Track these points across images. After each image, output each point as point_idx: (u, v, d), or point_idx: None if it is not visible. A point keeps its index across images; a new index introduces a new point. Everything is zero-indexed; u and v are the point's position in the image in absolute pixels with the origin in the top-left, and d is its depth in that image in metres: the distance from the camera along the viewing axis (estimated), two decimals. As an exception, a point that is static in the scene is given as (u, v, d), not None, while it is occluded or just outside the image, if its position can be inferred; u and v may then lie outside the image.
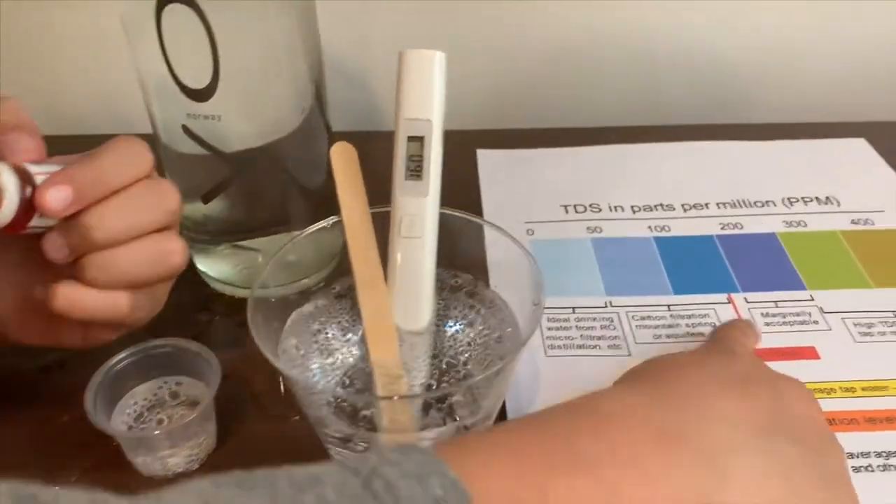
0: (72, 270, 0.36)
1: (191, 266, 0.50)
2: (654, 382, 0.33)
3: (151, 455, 0.38)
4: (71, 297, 0.35)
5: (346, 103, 0.58)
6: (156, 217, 0.37)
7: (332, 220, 0.39)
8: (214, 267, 0.49)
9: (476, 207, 0.56)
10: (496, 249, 0.40)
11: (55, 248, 0.35)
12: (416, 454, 0.25)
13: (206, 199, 0.45)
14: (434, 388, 0.37)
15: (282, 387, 0.44)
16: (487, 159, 0.61)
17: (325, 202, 0.48)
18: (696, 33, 0.67)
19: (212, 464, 0.40)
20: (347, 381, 0.37)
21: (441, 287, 0.40)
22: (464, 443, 0.29)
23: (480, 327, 0.39)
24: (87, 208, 0.34)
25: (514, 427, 0.30)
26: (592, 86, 0.70)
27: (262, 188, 0.47)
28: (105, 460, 0.40)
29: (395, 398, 0.35)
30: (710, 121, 0.70)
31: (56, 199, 0.33)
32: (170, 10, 0.37)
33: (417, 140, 0.36)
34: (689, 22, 0.67)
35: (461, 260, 0.40)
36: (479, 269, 0.40)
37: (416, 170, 0.37)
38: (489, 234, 0.39)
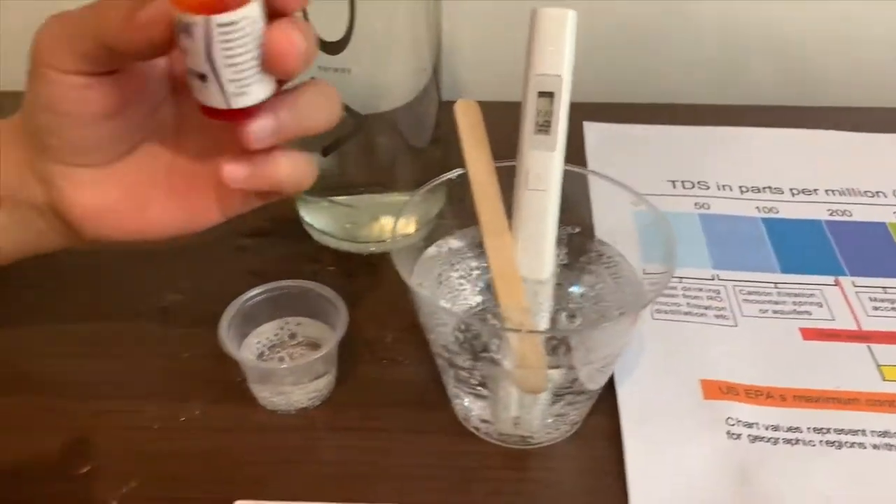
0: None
1: (296, 218, 0.52)
2: None
3: (276, 389, 0.40)
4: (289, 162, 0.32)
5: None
6: None
7: (456, 172, 0.40)
8: (320, 220, 0.51)
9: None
10: (624, 211, 0.41)
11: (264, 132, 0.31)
12: None
13: (326, 152, 0.47)
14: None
15: (389, 336, 0.45)
16: (593, 131, 0.61)
17: (428, 166, 0.50)
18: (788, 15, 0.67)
19: (333, 401, 0.41)
20: (464, 327, 0.38)
21: (564, 241, 0.41)
22: None
23: (601, 284, 0.40)
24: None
25: None
26: (682, 62, 0.70)
27: (374, 148, 0.48)
28: (227, 394, 0.42)
29: (524, 331, 0.36)
30: (805, 103, 0.69)
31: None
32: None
33: (547, 96, 0.37)
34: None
35: (587, 217, 0.41)
36: (614, 234, 0.41)
37: (544, 125, 0.37)
38: (618, 195, 0.40)
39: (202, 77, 0.29)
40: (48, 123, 0.32)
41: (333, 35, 0.41)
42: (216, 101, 0.29)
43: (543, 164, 0.38)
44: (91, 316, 0.46)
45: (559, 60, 0.37)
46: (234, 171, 0.31)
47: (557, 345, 0.36)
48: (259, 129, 0.30)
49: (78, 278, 0.49)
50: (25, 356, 0.44)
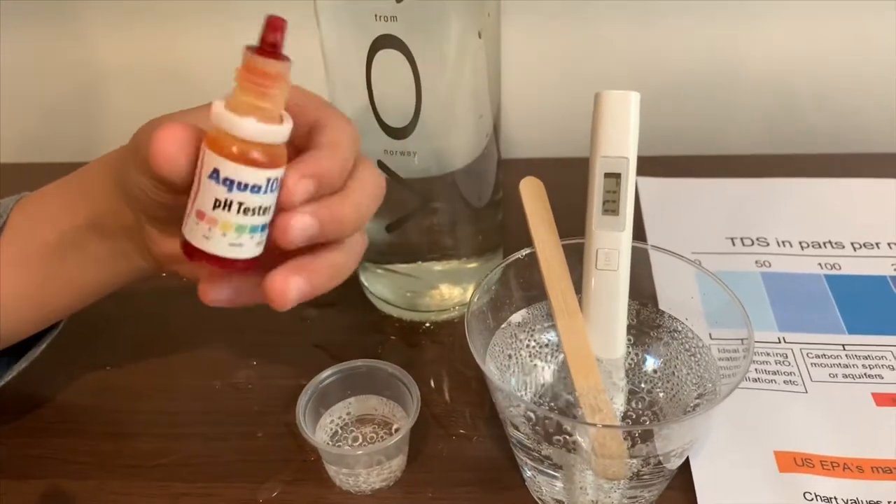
0: None
1: (360, 287, 0.53)
2: None
3: (351, 471, 0.40)
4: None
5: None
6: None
7: (525, 251, 0.41)
8: (381, 289, 0.52)
9: (640, 234, 0.57)
10: (685, 277, 0.41)
11: (304, 230, 0.30)
12: None
13: (391, 230, 0.48)
14: (633, 417, 0.38)
15: (457, 410, 0.45)
16: (648, 187, 0.61)
17: (487, 231, 0.50)
18: (833, 61, 0.67)
19: (405, 480, 0.42)
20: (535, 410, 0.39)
21: (633, 316, 0.41)
22: None
23: (675, 360, 0.40)
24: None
25: None
26: (726, 113, 0.70)
27: (434, 213, 0.48)
28: (303, 474, 0.42)
29: (599, 426, 0.36)
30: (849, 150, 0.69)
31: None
32: (378, 55, 0.40)
33: (614, 177, 0.38)
34: (826, 50, 0.67)
35: (650, 287, 0.42)
36: (683, 308, 0.42)
37: (612, 205, 0.38)
38: (687, 271, 0.40)
39: (263, 228, 0.28)
40: (140, 197, 0.34)
41: (399, 121, 0.42)
42: (250, 252, 0.29)
43: (612, 245, 0.38)
44: (167, 396, 0.47)
45: (625, 142, 0.37)
46: (212, 294, 0.32)
47: (637, 433, 0.36)
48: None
49: (153, 359, 0.50)
50: (100, 438, 0.45)
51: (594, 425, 0.35)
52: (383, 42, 0.39)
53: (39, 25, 0.69)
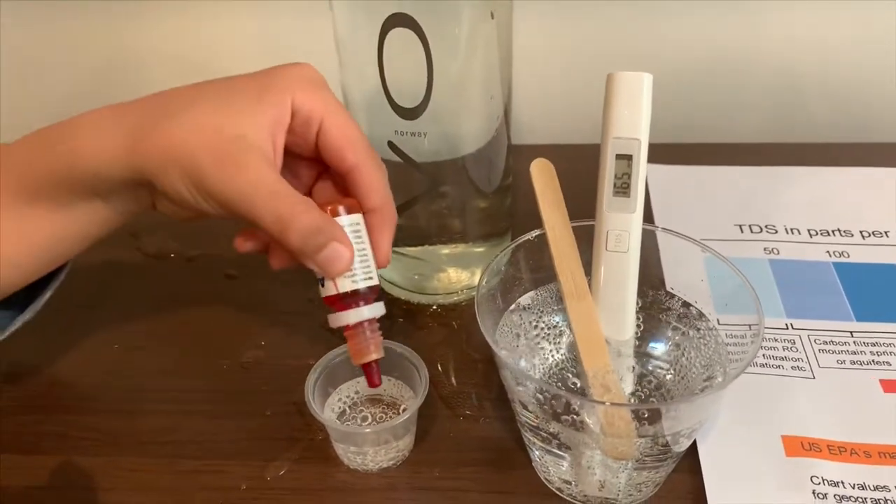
0: None
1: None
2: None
3: (359, 450, 0.40)
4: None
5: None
6: None
7: (535, 233, 0.41)
8: (389, 271, 0.52)
9: (649, 221, 0.57)
10: (694, 261, 0.41)
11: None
12: None
13: (400, 212, 0.47)
14: (641, 398, 0.38)
15: (464, 391, 0.46)
16: (657, 174, 0.61)
17: (496, 215, 0.50)
18: (843, 50, 0.67)
19: (413, 460, 0.42)
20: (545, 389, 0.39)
21: (642, 298, 0.41)
22: None
23: (684, 342, 0.40)
24: None
25: None
26: (735, 101, 0.70)
27: (444, 197, 0.48)
28: (311, 453, 0.42)
29: (608, 404, 0.36)
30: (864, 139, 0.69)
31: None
32: (390, 34, 0.40)
33: (625, 158, 0.38)
34: (834, 39, 0.66)
35: (658, 271, 0.41)
36: (692, 291, 0.42)
37: (623, 187, 0.38)
38: (696, 254, 0.40)
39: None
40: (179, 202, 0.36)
41: (410, 101, 0.42)
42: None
43: (623, 226, 0.38)
44: (176, 374, 0.47)
45: (637, 124, 0.37)
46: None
47: (645, 413, 0.36)
48: None
49: (162, 338, 0.50)
50: (110, 415, 0.45)
51: (602, 403, 0.35)
52: (395, 21, 0.39)
53: (59, 12, 0.69)
